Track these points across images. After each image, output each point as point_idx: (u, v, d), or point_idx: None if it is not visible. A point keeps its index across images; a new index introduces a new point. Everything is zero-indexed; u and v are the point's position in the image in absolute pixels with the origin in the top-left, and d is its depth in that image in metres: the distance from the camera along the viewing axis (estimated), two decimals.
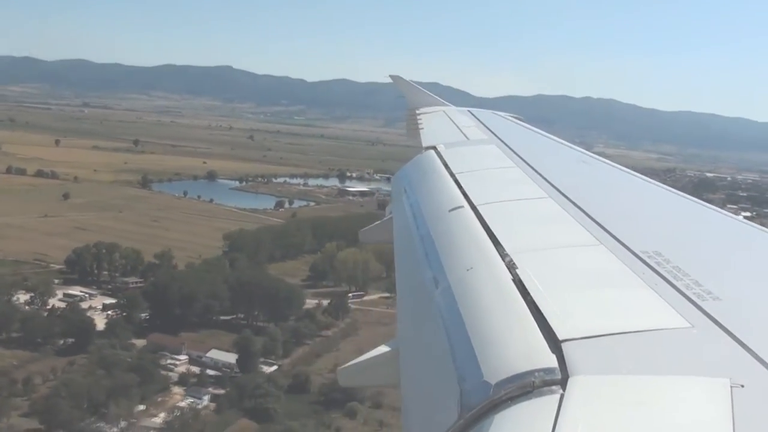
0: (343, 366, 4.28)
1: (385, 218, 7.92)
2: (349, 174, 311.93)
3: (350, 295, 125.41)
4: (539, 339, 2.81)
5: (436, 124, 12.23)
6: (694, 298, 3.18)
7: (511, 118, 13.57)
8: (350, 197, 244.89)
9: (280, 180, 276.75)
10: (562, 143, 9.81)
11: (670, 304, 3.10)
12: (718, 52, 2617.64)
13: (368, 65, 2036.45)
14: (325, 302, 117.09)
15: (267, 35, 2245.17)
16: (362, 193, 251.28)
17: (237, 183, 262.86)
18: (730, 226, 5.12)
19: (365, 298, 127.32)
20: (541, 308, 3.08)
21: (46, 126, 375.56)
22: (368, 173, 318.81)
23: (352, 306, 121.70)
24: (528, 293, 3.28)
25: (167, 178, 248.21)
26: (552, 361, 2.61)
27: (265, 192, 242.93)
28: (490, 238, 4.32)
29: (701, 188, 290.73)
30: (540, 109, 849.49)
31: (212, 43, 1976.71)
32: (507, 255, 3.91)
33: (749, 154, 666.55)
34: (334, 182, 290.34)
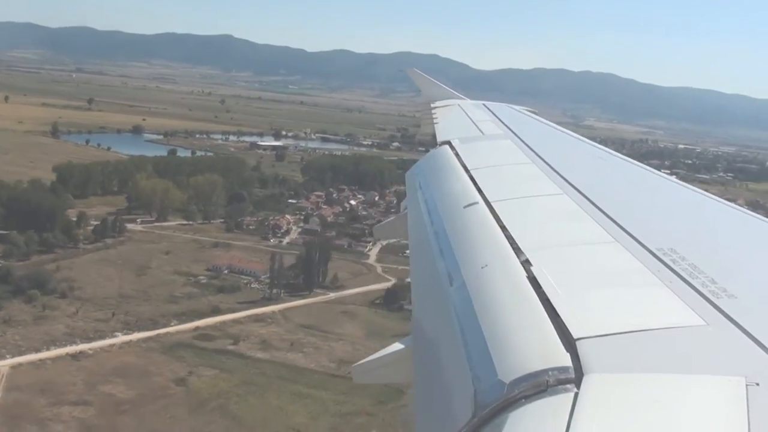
0: (357, 363, 4.35)
1: (400, 214, 8.11)
2: (284, 133, 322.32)
3: (138, 220, 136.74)
4: (554, 337, 2.80)
5: (451, 119, 12.18)
6: (709, 295, 3.16)
7: (526, 112, 13.55)
8: (259, 150, 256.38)
9: (203, 136, 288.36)
10: (578, 138, 9.78)
11: (685, 302, 3.08)
12: (719, 29, 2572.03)
13: (368, 37, 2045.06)
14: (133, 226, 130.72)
15: (269, 5, 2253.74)
16: (273, 147, 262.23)
17: (160, 137, 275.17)
18: (746, 223, 5.06)
19: (160, 223, 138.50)
20: (555, 306, 3.08)
21: (16, 86, 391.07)
22: (305, 132, 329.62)
23: (140, 228, 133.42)
24: (542, 291, 3.29)
25: (87, 131, 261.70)
26: (566, 359, 2.60)
27: (177, 144, 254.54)
28: (505, 234, 4.36)
29: (652, 156, 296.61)
30: (539, 82, 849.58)
31: (214, 12, 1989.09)
32: (522, 252, 3.93)
33: (744, 130, 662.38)
34: (268, 140, 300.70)
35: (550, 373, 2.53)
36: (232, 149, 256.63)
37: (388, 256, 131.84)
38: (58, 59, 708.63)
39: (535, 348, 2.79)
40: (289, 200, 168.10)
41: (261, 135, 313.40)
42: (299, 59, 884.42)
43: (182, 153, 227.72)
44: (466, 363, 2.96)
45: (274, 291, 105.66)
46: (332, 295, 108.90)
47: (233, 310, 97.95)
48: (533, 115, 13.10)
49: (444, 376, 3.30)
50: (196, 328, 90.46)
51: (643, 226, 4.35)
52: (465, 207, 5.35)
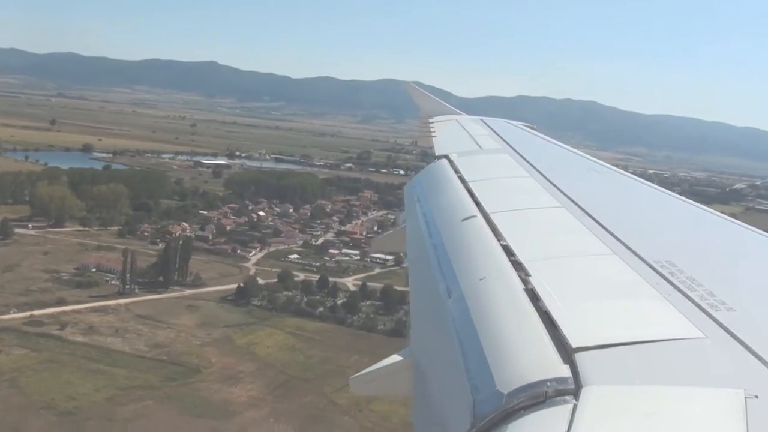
0: (355, 375, 4.35)
1: (398, 227, 8.27)
2: (238, 154, 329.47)
3: (30, 225, 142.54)
4: (552, 349, 2.81)
5: (449, 133, 12.38)
6: (707, 308, 3.16)
7: (524, 126, 13.71)
8: (201, 168, 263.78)
9: (152, 155, 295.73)
10: (575, 153, 9.80)
11: (683, 314, 3.09)
12: (700, 58, 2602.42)
13: (352, 64, 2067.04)
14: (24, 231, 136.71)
15: (254, 32, 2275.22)
16: (217, 165, 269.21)
17: (109, 155, 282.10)
18: (744, 236, 5.06)
19: (55, 229, 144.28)
20: (553, 318, 3.08)
21: None
22: (259, 153, 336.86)
23: (32, 233, 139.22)
24: (541, 302, 3.30)
25: (35, 148, 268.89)
26: (565, 370, 2.61)
27: (121, 162, 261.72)
28: (503, 247, 4.38)
29: None
30: (521, 110, 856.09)
31: (199, 40, 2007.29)
32: (520, 264, 3.95)
33: (723, 157, 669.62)
34: (222, 159, 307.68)
35: (548, 384, 2.53)
36: (175, 167, 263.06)
37: (269, 261, 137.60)
38: (42, 84, 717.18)
39: (533, 359, 2.79)
40: (201, 211, 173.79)
41: (215, 155, 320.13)
42: (283, 86, 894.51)
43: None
44: (465, 374, 2.97)
45: (128, 286, 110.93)
46: (188, 291, 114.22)
47: (79, 302, 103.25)
48: (531, 130, 13.18)
49: (443, 387, 3.32)
50: (31, 316, 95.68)
51: (641, 239, 4.40)
52: (463, 220, 5.39)
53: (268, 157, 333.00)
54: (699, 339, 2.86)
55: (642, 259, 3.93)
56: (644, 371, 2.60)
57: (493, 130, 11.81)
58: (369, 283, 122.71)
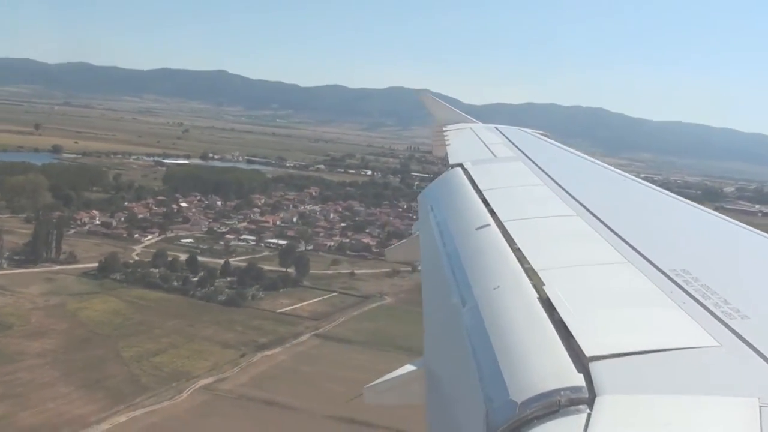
0: (369, 384, 4.33)
1: (412, 236, 8.30)
2: (212, 156, 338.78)
3: None
4: (566, 358, 2.81)
5: (463, 141, 12.43)
6: (722, 316, 3.14)
7: (538, 134, 13.74)
8: (161, 167, 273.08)
9: (122, 156, 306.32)
10: (589, 160, 9.79)
11: (698, 323, 3.07)
12: (709, 64, 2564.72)
13: (361, 72, 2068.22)
14: None
15: (264, 41, 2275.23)
16: (178, 165, 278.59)
17: (78, 156, 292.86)
18: (759, 244, 5.04)
19: None
20: (568, 326, 3.07)
21: None
22: (233, 155, 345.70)
23: None
24: (555, 311, 3.28)
25: (2, 150, 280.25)
26: (579, 380, 2.59)
27: (85, 161, 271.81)
28: (517, 255, 4.40)
29: None
30: (528, 116, 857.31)
31: (208, 48, 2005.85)
32: (534, 273, 3.94)
33: (729, 162, 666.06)
34: (183, 160, 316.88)
35: (562, 393, 2.52)
36: (135, 166, 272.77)
37: (161, 245, 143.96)
38: (51, 94, 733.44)
39: (547, 368, 2.79)
40: (126, 203, 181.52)
41: (188, 157, 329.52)
42: (292, 94, 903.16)
43: None
44: (479, 383, 2.97)
45: None
46: (57, 267, 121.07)
47: None
48: (545, 138, 13.17)
49: (456, 396, 3.34)
50: None
51: (656, 247, 4.39)
52: (477, 228, 5.41)
53: (241, 158, 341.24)
54: (713, 347, 2.85)
55: (656, 268, 3.95)
56: (659, 380, 2.60)
57: (507, 138, 11.86)
58: (234, 262, 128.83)
